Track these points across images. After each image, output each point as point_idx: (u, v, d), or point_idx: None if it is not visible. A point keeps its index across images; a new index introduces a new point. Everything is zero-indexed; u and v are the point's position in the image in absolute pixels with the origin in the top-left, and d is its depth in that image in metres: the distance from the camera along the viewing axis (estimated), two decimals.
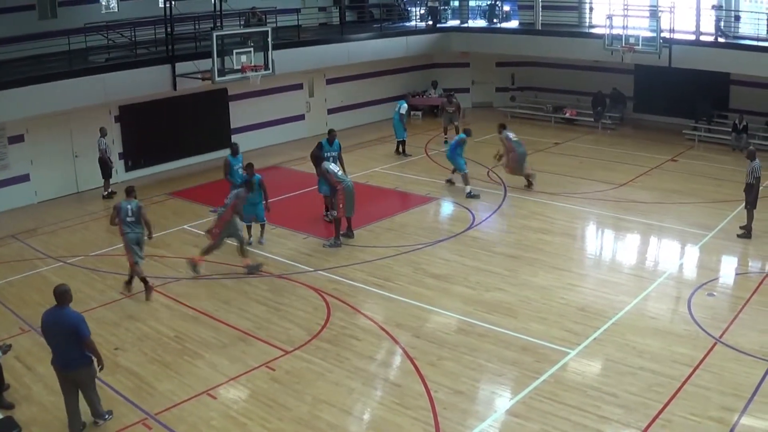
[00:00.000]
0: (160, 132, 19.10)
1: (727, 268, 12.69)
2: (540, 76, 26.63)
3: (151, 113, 18.72)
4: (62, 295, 7.66)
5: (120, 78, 16.84)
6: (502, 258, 12.89)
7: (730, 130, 20.66)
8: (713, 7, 20.50)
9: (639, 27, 20.40)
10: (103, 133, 16.71)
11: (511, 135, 16.89)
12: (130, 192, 11.55)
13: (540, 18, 23.82)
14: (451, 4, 28.40)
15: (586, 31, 23.47)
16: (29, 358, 9.60)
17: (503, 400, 8.59)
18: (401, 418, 8.18)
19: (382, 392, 8.80)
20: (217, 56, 16.70)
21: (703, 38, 20.57)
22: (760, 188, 13.50)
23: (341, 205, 13.45)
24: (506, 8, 26.97)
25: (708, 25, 20.66)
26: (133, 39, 18.25)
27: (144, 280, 11.45)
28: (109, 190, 16.94)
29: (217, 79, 16.87)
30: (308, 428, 8.07)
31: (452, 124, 21.19)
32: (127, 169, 18.60)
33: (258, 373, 9.22)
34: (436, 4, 25.90)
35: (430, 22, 25.75)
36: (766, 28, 19.90)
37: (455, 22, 27.18)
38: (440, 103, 22.39)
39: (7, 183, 16.31)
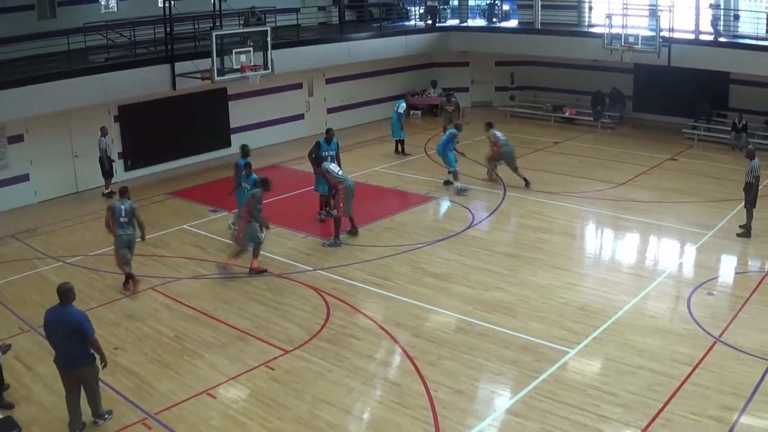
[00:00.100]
0: (159, 132, 19.09)
1: (727, 267, 12.69)
2: (539, 75, 26.63)
3: (150, 113, 18.71)
4: (66, 293, 7.67)
5: (119, 78, 16.84)
6: (501, 257, 12.89)
7: (729, 129, 20.67)
8: (710, 6, 20.50)
9: (638, 26, 20.41)
10: (104, 132, 16.71)
11: (499, 134, 16.99)
12: (123, 192, 11.66)
13: (539, 17, 23.84)
14: (451, 3, 28.40)
15: (586, 30, 23.47)
16: (29, 358, 9.60)
17: (503, 400, 8.60)
18: (401, 418, 8.18)
19: (381, 391, 8.81)
20: (217, 56, 16.69)
21: (702, 37, 20.57)
22: (760, 187, 13.50)
23: (342, 204, 13.46)
24: (505, 7, 26.98)
25: (707, 24, 20.67)
26: (133, 39, 18.25)
27: (130, 275, 11.62)
28: (110, 189, 16.94)
29: (216, 78, 16.87)
30: (308, 427, 8.07)
31: (451, 123, 21.17)
32: (127, 168, 18.59)
33: (257, 372, 9.23)
34: (436, 3, 25.90)
35: (430, 22, 25.75)
36: (765, 27, 19.91)
37: (454, 22, 27.18)
38: (439, 103, 22.40)
39: (7, 183, 16.30)
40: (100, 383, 8.12)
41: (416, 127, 23.39)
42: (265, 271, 12.32)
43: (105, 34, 18.63)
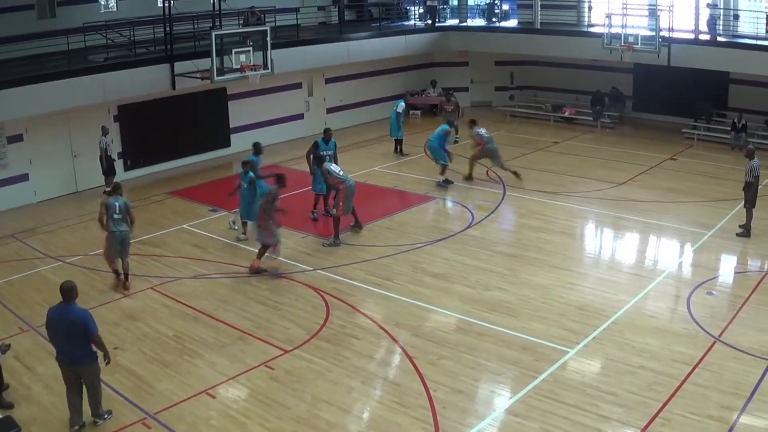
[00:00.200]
0: (159, 131, 19.07)
1: (727, 266, 12.70)
2: (539, 75, 26.63)
3: (150, 113, 18.69)
4: (69, 291, 7.68)
5: (119, 77, 16.83)
6: (501, 257, 12.89)
7: (729, 128, 20.69)
8: (708, 5, 20.50)
9: (638, 26, 20.40)
10: (105, 131, 16.69)
11: (482, 131, 17.11)
12: (116, 189, 11.85)
13: (539, 17, 23.84)
14: (450, 2, 28.40)
15: (585, 30, 23.46)
16: (29, 357, 9.59)
17: (502, 399, 8.59)
18: (400, 417, 8.18)
19: (381, 391, 8.80)
20: (216, 55, 16.68)
21: (702, 37, 20.57)
22: (759, 187, 13.51)
23: (341, 204, 13.46)
24: (505, 7, 27.02)
25: (706, 24, 20.68)
26: (132, 38, 18.25)
27: (116, 272, 11.76)
28: (111, 188, 16.91)
29: (216, 78, 16.86)
30: (307, 427, 8.07)
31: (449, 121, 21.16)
32: (126, 168, 18.57)
33: (257, 372, 9.22)
34: (435, 3, 25.89)
35: (429, 21, 25.75)
36: (765, 27, 19.91)
37: (454, 21, 27.20)
38: (439, 102, 22.40)
39: (7, 182, 16.29)
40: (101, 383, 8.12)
41: (416, 127, 23.39)
42: (265, 271, 12.32)
43: (104, 34, 18.63)
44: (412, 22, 26.47)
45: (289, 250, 13.42)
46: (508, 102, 26.37)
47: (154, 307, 11.20)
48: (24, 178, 16.59)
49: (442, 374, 9.03)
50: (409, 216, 15.31)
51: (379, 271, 12.33)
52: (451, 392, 8.64)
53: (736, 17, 20.93)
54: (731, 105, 21.84)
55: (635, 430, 7.79)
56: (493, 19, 26.11)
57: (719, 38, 20.26)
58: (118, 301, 11.38)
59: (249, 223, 13.70)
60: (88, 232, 14.68)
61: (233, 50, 17.01)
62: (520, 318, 10.50)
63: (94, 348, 7.81)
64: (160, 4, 18.38)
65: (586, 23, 24.18)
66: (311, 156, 14.63)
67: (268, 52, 17.62)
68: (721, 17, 20.73)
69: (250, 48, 17.48)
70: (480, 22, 26.88)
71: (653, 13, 20.26)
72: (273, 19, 20.94)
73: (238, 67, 17.04)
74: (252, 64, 17.29)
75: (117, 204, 11.51)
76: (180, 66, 17.71)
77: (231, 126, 20.86)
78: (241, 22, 20.65)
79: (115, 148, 18.06)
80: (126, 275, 11.80)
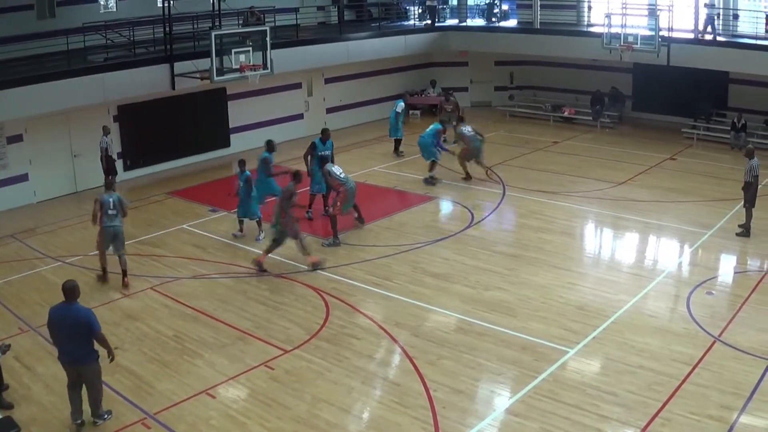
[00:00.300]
0: (158, 131, 19.07)
1: (726, 266, 12.70)
2: (538, 74, 26.63)
3: (149, 113, 18.69)
4: (71, 290, 7.69)
5: (119, 77, 16.83)
6: (501, 257, 12.89)
7: (728, 128, 20.69)
8: (705, 5, 20.52)
9: (637, 25, 20.40)
10: (106, 131, 16.66)
11: (468, 129, 17.15)
12: (109, 185, 12.01)
13: (538, 17, 23.84)
14: (450, 2, 28.40)
15: (585, 29, 23.49)
16: (28, 358, 9.59)
17: (502, 399, 8.59)
18: (400, 417, 8.18)
19: (381, 391, 8.80)
20: (216, 55, 16.67)
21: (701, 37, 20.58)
22: (759, 186, 13.51)
23: (339, 204, 13.47)
24: (505, 7, 27.01)
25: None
26: (132, 38, 18.24)
27: (104, 269, 11.85)
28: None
29: (215, 78, 16.86)
30: (307, 427, 8.07)
31: (448, 122, 21.17)
32: (126, 168, 18.57)
33: (257, 372, 9.22)
34: (435, 2, 25.89)
35: (429, 21, 25.75)
36: (764, 27, 19.91)
37: (453, 21, 27.21)
38: (439, 102, 22.40)
39: (6, 183, 16.29)
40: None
41: (415, 127, 23.29)
42: (266, 271, 12.32)
43: (104, 34, 18.63)
44: (411, 22, 26.47)
45: (288, 250, 13.39)
46: (508, 102, 26.37)
47: (153, 307, 11.20)
48: (24, 178, 16.59)
49: (442, 374, 9.03)
50: (409, 216, 15.31)
51: (379, 271, 12.33)
52: (451, 392, 8.64)
53: (736, 17, 20.94)
54: (731, 105, 21.84)
55: (635, 430, 7.79)
56: (493, 19, 26.12)
57: (719, 38, 20.26)
58: (118, 301, 11.38)
59: (246, 221, 13.73)
60: (88, 233, 14.63)
61: (233, 50, 17.01)
62: (520, 318, 10.50)
63: (97, 347, 7.81)
64: (159, 4, 18.37)
65: (585, 23, 24.20)
66: (309, 157, 14.63)
67: (268, 52, 17.62)
68: (721, 17, 20.71)
69: (250, 48, 17.48)
70: (479, 22, 26.88)
71: (653, 12, 20.27)
72: (272, 19, 20.94)
73: (238, 67, 17.04)
74: (251, 64, 17.29)
75: (111, 200, 11.61)
76: (180, 66, 17.71)
77: (231, 126, 20.86)
78: (240, 22, 20.65)
79: (115, 148, 18.04)
80: (124, 272, 11.82)
